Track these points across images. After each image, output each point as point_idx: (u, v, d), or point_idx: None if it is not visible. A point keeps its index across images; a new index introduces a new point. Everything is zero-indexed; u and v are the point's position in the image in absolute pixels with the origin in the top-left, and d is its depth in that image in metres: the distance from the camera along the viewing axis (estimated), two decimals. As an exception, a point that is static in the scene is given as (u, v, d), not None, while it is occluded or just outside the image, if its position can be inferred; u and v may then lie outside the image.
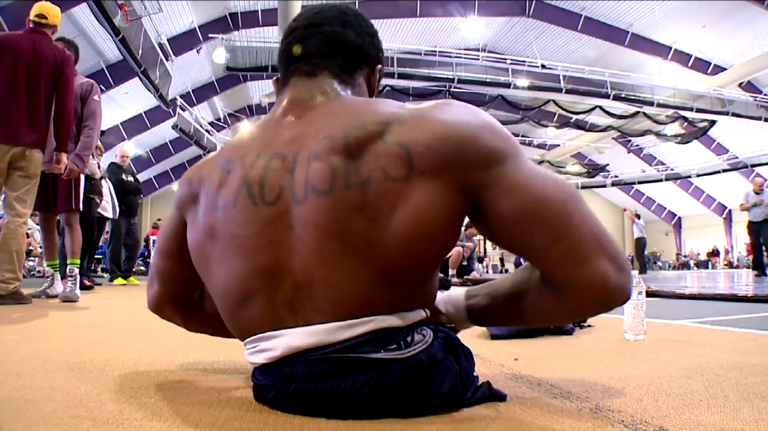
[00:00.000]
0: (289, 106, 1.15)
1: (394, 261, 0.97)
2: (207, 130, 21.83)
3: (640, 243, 16.92)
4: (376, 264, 0.97)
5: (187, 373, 1.50)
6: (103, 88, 17.21)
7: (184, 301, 1.42)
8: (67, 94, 4.29)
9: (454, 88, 19.09)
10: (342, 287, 0.98)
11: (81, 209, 5.01)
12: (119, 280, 8.54)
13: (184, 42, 18.18)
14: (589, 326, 2.65)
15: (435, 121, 1.01)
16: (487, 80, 19.23)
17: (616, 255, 1.03)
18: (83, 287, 6.49)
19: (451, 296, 1.32)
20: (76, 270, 4.73)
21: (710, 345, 2.13)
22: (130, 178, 8.99)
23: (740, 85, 22.58)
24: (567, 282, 1.02)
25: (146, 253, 19.27)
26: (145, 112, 21.55)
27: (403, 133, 0.99)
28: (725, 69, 22.20)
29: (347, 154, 0.99)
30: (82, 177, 4.98)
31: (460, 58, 19.36)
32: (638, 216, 17.14)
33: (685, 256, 36.03)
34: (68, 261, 4.77)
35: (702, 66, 23.08)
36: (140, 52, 13.71)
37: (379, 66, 1.28)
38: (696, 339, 2.32)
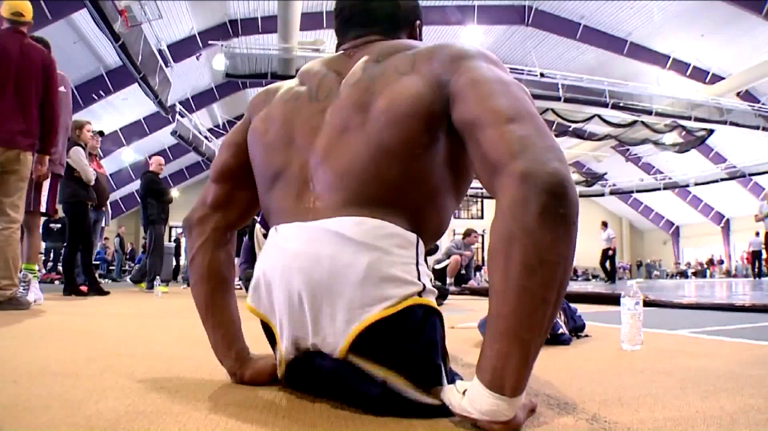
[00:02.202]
0: (343, 51, 1.45)
1: (384, 132, 1.17)
2: (206, 137, 21.80)
3: (605, 254, 16.79)
4: (372, 137, 1.18)
5: (185, 381, 1.50)
6: (102, 93, 17.26)
7: (218, 235, 1.53)
8: (55, 97, 4.28)
9: (453, 95, 19.05)
10: (347, 161, 1.19)
11: (42, 212, 4.95)
12: (163, 288, 8.42)
13: (183, 48, 18.20)
14: (587, 336, 2.65)
15: (441, 44, 1.28)
16: (486, 88, 19.21)
17: (542, 130, 1.04)
18: (79, 293, 6.49)
19: (472, 394, 1.01)
20: (30, 276, 4.68)
21: (707, 355, 2.14)
22: (165, 187, 9.14)
23: (738, 94, 22.62)
24: (497, 156, 1.02)
25: (144, 258, 19.25)
26: (144, 118, 21.53)
27: (417, 49, 1.29)
28: (724, 78, 22.25)
29: (376, 60, 1.30)
30: (46, 182, 4.88)
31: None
32: (605, 225, 17.07)
33: (679, 263, 36.04)
34: (23, 267, 4.65)
35: (700, 75, 23.13)
36: (140, 58, 13.72)
37: (418, 22, 1.55)
38: (693, 349, 2.33)
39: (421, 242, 1.20)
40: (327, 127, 1.25)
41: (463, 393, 0.99)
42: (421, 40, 1.53)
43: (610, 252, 16.81)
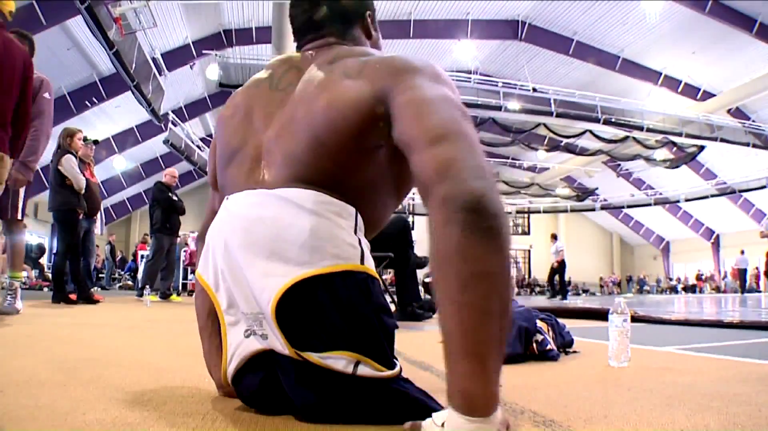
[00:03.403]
0: (305, 52, 1.52)
1: (321, 127, 1.24)
2: (198, 146, 21.78)
3: (552, 269, 16.05)
4: (311, 128, 1.25)
5: (172, 393, 1.50)
6: (95, 100, 17.22)
7: None
8: (29, 101, 3.99)
9: (446, 109, 19.12)
10: (292, 146, 1.27)
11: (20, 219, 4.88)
12: (153, 297, 8.42)
13: (177, 57, 18.22)
14: (575, 352, 2.66)
15: (391, 56, 1.32)
16: (479, 103, 19.30)
17: (468, 149, 1.06)
18: (68, 301, 6.46)
19: (450, 423, 0.97)
20: (17, 284, 4.65)
21: (694, 373, 2.15)
22: (176, 198, 9.16)
23: (729, 111, 22.83)
24: (420, 165, 1.07)
25: (134, 267, 19.21)
26: (136, 126, 21.50)
27: (369, 57, 1.34)
28: (714, 95, 22.48)
29: (331, 62, 1.37)
30: (22, 189, 4.73)
31: (452, 80, 19.44)
32: (554, 238, 16.17)
33: (669, 279, 36.17)
34: (9, 275, 4.65)
35: (692, 92, 23.34)
36: (134, 65, 13.71)
37: (368, 13, 1.62)
38: (680, 366, 2.34)
39: (360, 217, 1.27)
40: (281, 114, 1.35)
41: (442, 425, 0.98)
42: (375, 29, 1.64)
43: (555, 265, 15.91)
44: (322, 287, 1.15)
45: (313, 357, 1.14)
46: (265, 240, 1.19)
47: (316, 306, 1.15)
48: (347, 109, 1.23)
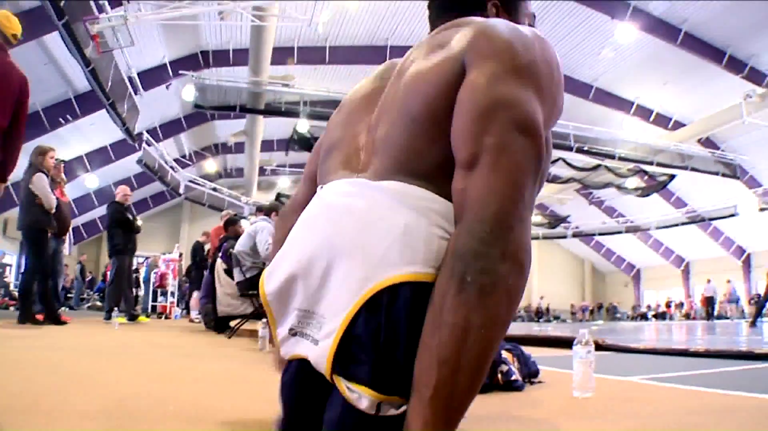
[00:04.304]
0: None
1: (412, 100, 1.12)
2: (171, 167, 21.60)
3: None
4: (404, 108, 1.13)
5: (136, 420, 1.49)
6: (69, 117, 17.05)
7: None
8: (23, 126, 4.03)
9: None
10: (386, 130, 1.14)
11: None
12: (121, 319, 8.28)
13: (154, 77, 18.11)
14: (540, 382, 2.68)
15: (485, 25, 1.16)
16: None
17: (493, 180, 0.97)
18: (35, 322, 6.35)
19: None
20: None
21: (656, 402, 2.19)
22: (131, 217, 9.02)
23: (699, 140, 23.23)
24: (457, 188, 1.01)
25: (103, 287, 18.92)
26: (110, 145, 21.26)
27: (466, 27, 1.17)
28: (685, 125, 22.86)
29: (432, 37, 1.24)
30: None
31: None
32: None
33: (639, 306, 36.47)
34: None
35: (663, 121, 23.72)
36: (109, 84, 13.61)
37: (491, 3, 1.38)
38: (643, 396, 2.38)
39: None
40: (381, 101, 1.24)
41: None
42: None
43: None
44: (404, 297, 0.99)
45: (342, 384, 1.02)
46: (351, 234, 1.05)
47: (391, 320, 0.99)
48: (433, 75, 1.11)
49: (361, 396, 0.99)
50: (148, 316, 11.39)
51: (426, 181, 1.07)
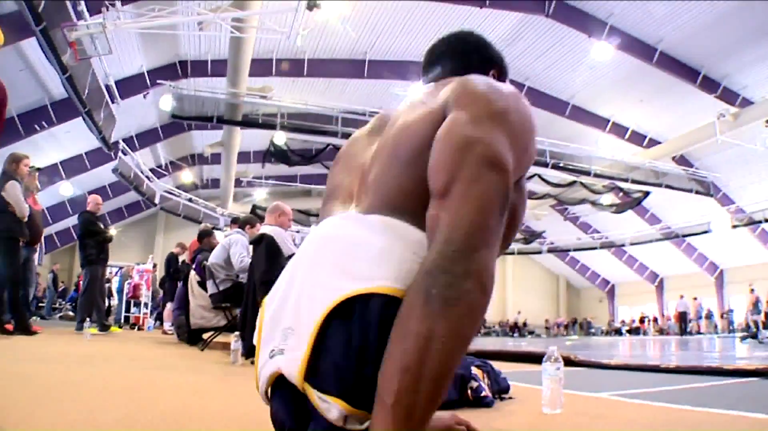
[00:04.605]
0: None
1: (400, 145, 1.24)
2: (147, 176, 21.40)
3: None
4: (393, 151, 1.24)
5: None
6: (45, 124, 16.85)
7: None
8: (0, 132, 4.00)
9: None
10: (376, 176, 1.25)
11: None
12: (93, 329, 8.13)
13: (131, 85, 17.95)
14: (510, 398, 2.70)
15: (467, 78, 1.28)
16: (432, 144, 19.46)
17: (462, 210, 1.04)
18: (3, 331, 6.24)
19: None
20: None
21: (625, 420, 2.21)
22: (102, 226, 8.90)
23: (674, 158, 23.58)
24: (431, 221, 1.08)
25: (76, 297, 18.68)
26: (85, 153, 20.99)
27: (455, 81, 1.28)
28: (660, 143, 23.19)
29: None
30: None
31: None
32: None
33: (613, 322, 36.72)
34: None
35: (638, 139, 24.03)
36: (86, 91, 13.48)
37: (493, 71, 1.60)
38: (612, 412, 2.40)
39: None
40: (375, 149, 1.35)
41: None
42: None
43: None
44: (374, 309, 1.05)
45: (313, 394, 1.06)
46: (334, 255, 1.16)
47: (362, 330, 1.05)
48: (420, 121, 1.23)
49: (330, 406, 1.03)
50: (120, 327, 11.25)
51: (409, 215, 1.16)
